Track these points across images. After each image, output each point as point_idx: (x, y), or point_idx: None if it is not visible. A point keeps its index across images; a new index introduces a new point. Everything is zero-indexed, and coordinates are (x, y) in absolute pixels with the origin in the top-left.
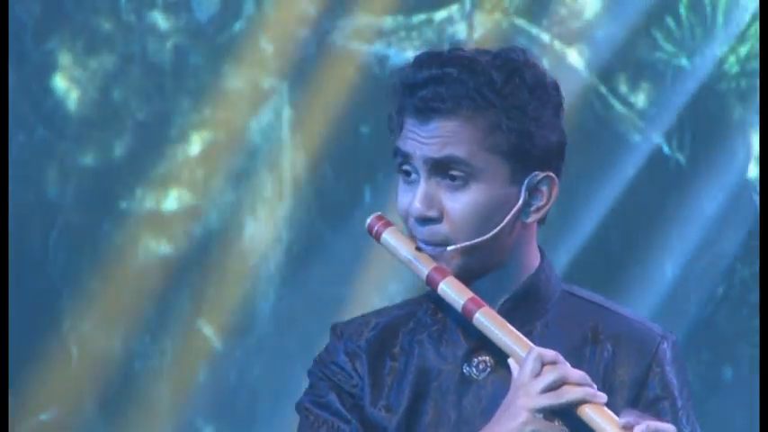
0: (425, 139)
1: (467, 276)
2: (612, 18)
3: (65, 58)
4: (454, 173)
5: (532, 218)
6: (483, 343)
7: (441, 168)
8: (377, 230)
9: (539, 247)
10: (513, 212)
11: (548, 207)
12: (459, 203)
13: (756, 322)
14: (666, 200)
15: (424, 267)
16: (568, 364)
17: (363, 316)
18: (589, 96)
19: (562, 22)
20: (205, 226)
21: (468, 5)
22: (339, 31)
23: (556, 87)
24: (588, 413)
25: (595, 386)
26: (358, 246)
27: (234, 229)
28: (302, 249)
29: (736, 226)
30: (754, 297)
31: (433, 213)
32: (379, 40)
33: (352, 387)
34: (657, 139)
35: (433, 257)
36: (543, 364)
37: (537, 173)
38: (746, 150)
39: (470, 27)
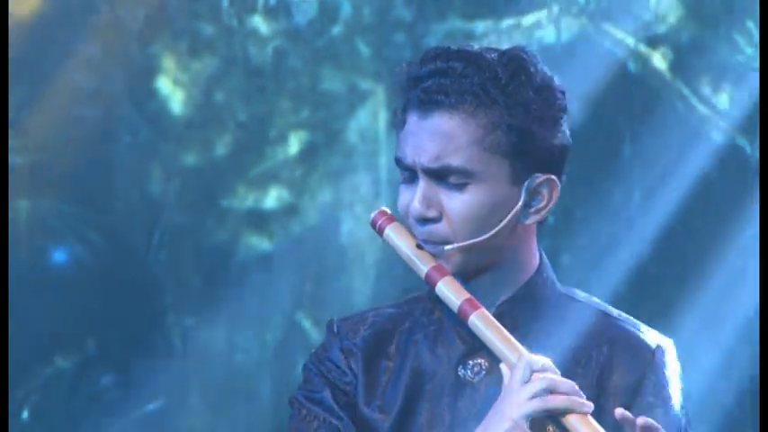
0: (425, 141)
1: (466, 275)
2: (695, 22)
3: (168, 61)
4: (451, 179)
5: (531, 219)
6: (479, 345)
7: (438, 175)
8: (380, 225)
9: (539, 250)
10: (512, 213)
11: (547, 209)
12: (458, 203)
13: None
14: (747, 199)
15: (424, 265)
16: (559, 373)
17: (361, 313)
18: (672, 98)
19: (647, 26)
20: (304, 223)
21: (555, 10)
22: (433, 36)
23: (562, 92)
24: (573, 423)
25: (584, 395)
26: None
27: (331, 226)
28: None
29: None
30: None
31: (432, 213)
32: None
33: (347, 384)
34: (740, 139)
35: (434, 255)
36: (533, 372)
37: (538, 174)
38: None
39: (558, 31)
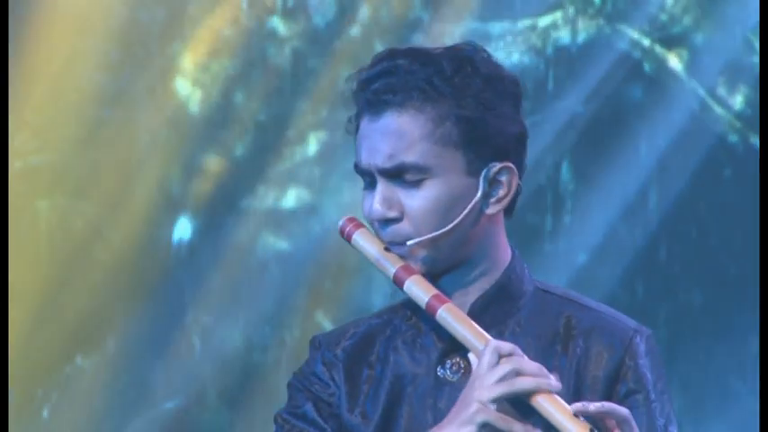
0: (377, 142)
1: (435, 272)
2: (710, 23)
3: (187, 62)
4: (407, 177)
5: (493, 209)
6: (455, 345)
7: (394, 175)
8: (348, 232)
9: (510, 246)
10: (472, 204)
11: (509, 198)
12: (417, 200)
13: None
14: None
15: (392, 266)
16: (526, 357)
17: (342, 326)
18: (688, 99)
19: (663, 27)
20: (322, 223)
21: (571, 11)
22: (449, 36)
23: (515, 81)
24: (540, 403)
25: (552, 377)
26: None
27: None
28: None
29: None
30: None
31: (392, 214)
32: (487, 45)
33: (330, 396)
34: (754, 139)
35: (401, 257)
36: (500, 357)
37: (494, 163)
38: None
39: (574, 32)
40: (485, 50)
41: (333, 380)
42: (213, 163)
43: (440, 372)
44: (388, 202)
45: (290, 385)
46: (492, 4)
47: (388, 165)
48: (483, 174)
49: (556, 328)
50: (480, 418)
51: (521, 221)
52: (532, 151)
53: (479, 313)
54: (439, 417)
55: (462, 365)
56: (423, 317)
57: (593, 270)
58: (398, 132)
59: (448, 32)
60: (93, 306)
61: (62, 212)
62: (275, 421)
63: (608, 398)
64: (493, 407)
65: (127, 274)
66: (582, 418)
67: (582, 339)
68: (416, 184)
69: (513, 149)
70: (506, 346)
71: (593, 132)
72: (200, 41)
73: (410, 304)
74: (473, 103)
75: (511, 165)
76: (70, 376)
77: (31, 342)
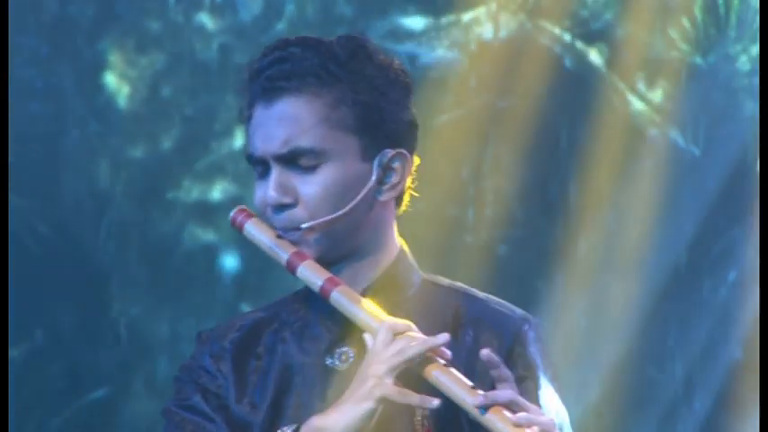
0: (273, 129)
1: (328, 260)
2: (631, 19)
3: (116, 57)
4: (302, 162)
5: (387, 195)
6: (344, 335)
7: (289, 160)
8: (239, 222)
9: (398, 236)
10: (366, 189)
11: (401, 185)
12: (312, 186)
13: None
14: (681, 190)
15: (284, 253)
16: (421, 334)
17: (228, 320)
18: (609, 93)
19: (583, 23)
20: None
21: (493, 7)
22: (374, 32)
23: (404, 70)
24: (436, 376)
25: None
26: None
27: None
28: None
29: (746, 216)
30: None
31: (287, 200)
32: (411, 40)
33: (218, 387)
34: (673, 133)
35: (294, 243)
36: (395, 335)
37: (388, 150)
38: (757, 144)
39: (496, 28)
40: (372, 41)
41: (220, 371)
42: (141, 156)
43: (328, 361)
44: (284, 187)
45: (177, 379)
46: None
47: (284, 150)
48: (377, 160)
49: (445, 317)
50: (378, 393)
51: (443, 214)
52: (455, 145)
53: None
54: (328, 406)
55: (352, 354)
56: (312, 308)
57: (514, 262)
58: (294, 117)
59: (372, 27)
60: (22, 297)
61: None
62: (164, 414)
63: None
64: (390, 380)
65: (55, 266)
66: (480, 391)
67: (471, 328)
68: (311, 169)
69: (405, 137)
70: (401, 324)
71: (515, 126)
72: (128, 37)
73: (297, 297)
74: (367, 88)
75: (404, 152)
76: None
77: None
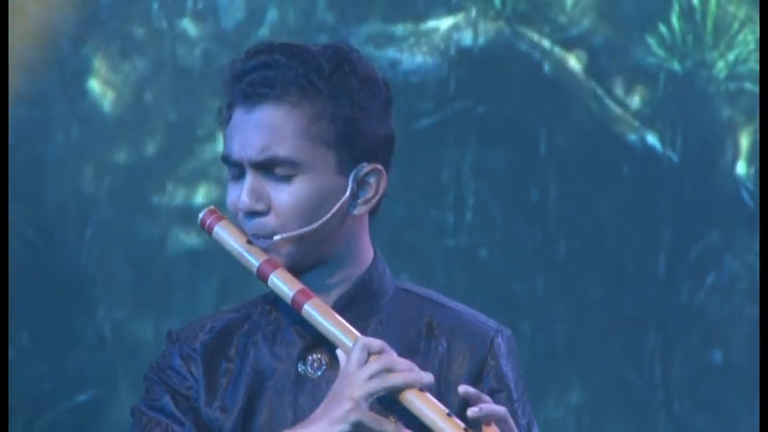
0: (251, 134)
1: (298, 269)
2: (609, 25)
3: (100, 63)
4: (278, 170)
5: (360, 210)
6: (317, 341)
7: (265, 168)
8: (209, 224)
9: (372, 244)
10: (340, 203)
11: (376, 199)
12: (286, 195)
13: (747, 309)
14: (659, 195)
15: (255, 260)
16: (395, 354)
17: (198, 320)
18: (587, 99)
19: (562, 29)
20: (232, 219)
21: (473, 14)
22: (354, 38)
23: (386, 84)
24: (412, 400)
25: (423, 374)
26: None
27: None
28: None
29: (724, 220)
30: (743, 284)
31: (260, 207)
32: (391, 46)
33: (187, 389)
34: (651, 138)
35: (265, 250)
36: (370, 354)
37: (364, 164)
38: (734, 149)
39: (475, 34)
40: (358, 51)
41: (191, 373)
42: (125, 161)
43: (300, 368)
44: (257, 194)
45: (147, 378)
46: (396, 5)
47: (260, 157)
48: (353, 174)
49: (418, 327)
50: (354, 417)
51: (424, 217)
52: (436, 150)
53: (341, 312)
54: (299, 412)
55: (324, 362)
56: (283, 311)
57: (494, 266)
58: (273, 126)
59: (353, 34)
60: (8, 301)
61: None
62: (132, 414)
63: None
64: (365, 405)
65: (40, 269)
66: (456, 417)
67: (444, 339)
68: (286, 179)
69: (382, 151)
70: (376, 342)
71: (495, 132)
72: (111, 43)
73: (269, 298)
74: (348, 102)
75: (380, 167)
76: None
77: None
